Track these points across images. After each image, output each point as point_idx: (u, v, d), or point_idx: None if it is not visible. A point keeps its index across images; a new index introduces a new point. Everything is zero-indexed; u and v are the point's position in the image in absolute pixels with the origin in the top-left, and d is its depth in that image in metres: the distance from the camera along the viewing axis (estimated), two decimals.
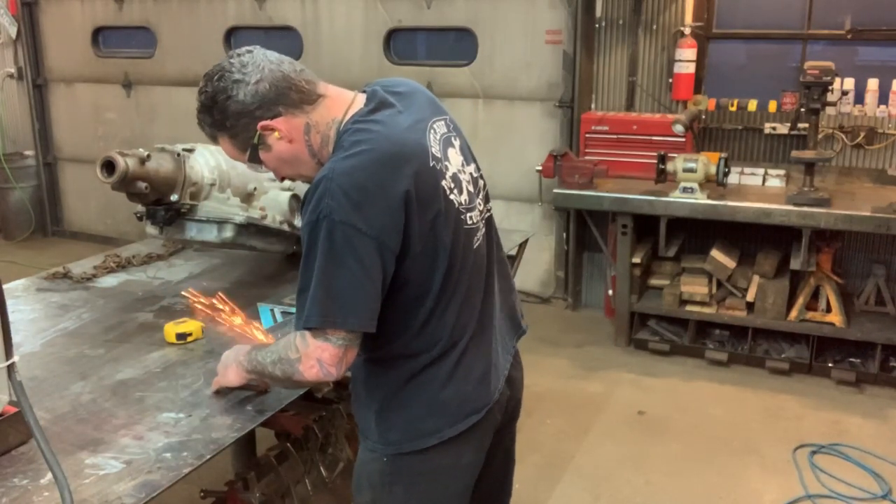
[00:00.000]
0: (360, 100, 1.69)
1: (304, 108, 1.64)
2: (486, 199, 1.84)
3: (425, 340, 1.68)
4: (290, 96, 1.62)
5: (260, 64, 1.61)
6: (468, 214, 1.71)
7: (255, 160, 1.69)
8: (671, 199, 4.44)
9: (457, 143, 1.76)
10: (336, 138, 1.63)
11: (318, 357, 1.57)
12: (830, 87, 4.17)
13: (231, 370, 1.89)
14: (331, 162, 1.57)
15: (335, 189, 1.50)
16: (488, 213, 1.83)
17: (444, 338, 1.68)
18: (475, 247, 1.73)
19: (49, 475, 1.58)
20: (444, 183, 1.64)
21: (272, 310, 2.56)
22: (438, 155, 1.66)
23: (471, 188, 1.75)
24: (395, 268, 1.57)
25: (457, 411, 1.71)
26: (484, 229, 1.78)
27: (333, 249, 1.51)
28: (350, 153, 1.55)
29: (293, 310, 2.43)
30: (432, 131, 1.68)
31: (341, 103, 1.67)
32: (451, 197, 1.66)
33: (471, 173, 1.77)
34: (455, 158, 1.73)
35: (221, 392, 1.98)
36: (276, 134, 1.63)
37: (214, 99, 1.62)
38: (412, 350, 1.68)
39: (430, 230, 1.60)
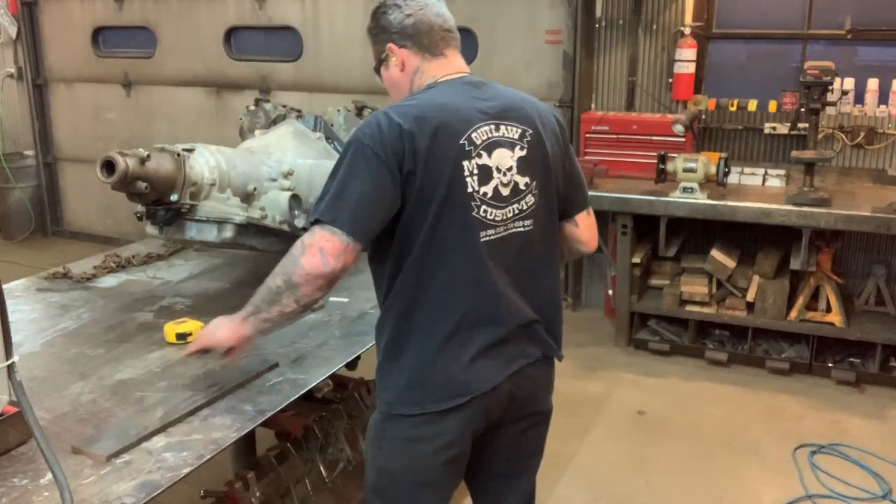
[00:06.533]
0: (456, 73, 1.93)
1: (425, 55, 1.92)
2: (526, 217, 1.87)
3: (407, 298, 1.80)
4: (422, 41, 1.91)
5: (421, 4, 1.91)
6: (483, 207, 1.79)
7: (377, 71, 2.00)
8: (671, 199, 4.44)
9: (521, 152, 1.85)
10: None
11: (321, 246, 1.69)
12: (830, 87, 4.17)
13: (224, 328, 1.90)
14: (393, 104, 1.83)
15: (373, 121, 1.76)
16: (520, 228, 1.86)
17: (426, 306, 1.79)
18: (482, 240, 1.79)
19: (49, 475, 1.58)
20: (465, 163, 1.77)
21: None
22: (477, 142, 1.79)
23: (505, 191, 1.82)
24: (402, 199, 1.73)
25: (441, 390, 1.81)
26: (504, 233, 1.83)
27: (354, 164, 1.72)
28: (403, 104, 1.81)
29: None
30: (492, 126, 1.83)
31: (449, 69, 1.93)
32: (468, 179, 1.77)
33: (516, 181, 1.84)
34: (501, 158, 1.82)
35: (193, 356, 1.98)
36: (395, 59, 1.92)
37: (378, 9, 1.95)
38: (398, 304, 1.81)
39: (428, 193, 1.73)
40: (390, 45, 1.92)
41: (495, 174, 1.81)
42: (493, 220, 1.81)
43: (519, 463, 2.10)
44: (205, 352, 1.96)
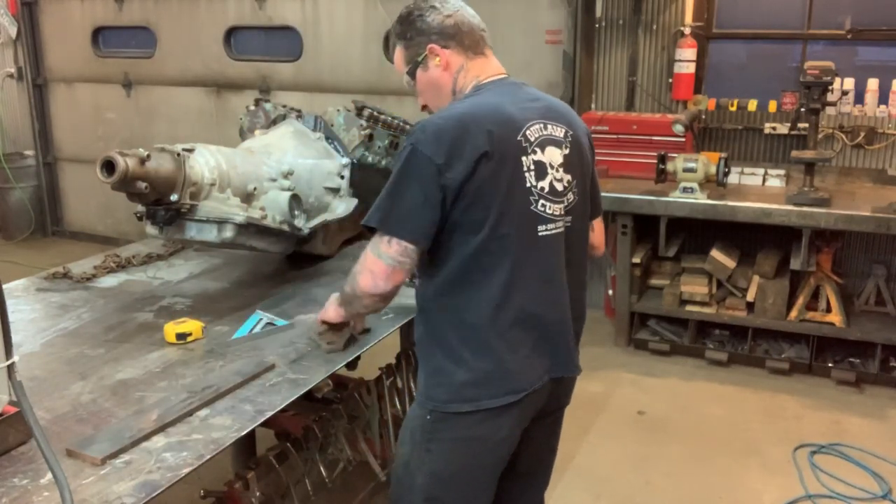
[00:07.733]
0: (499, 74, 2.00)
1: (468, 54, 1.97)
2: (568, 213, 1.93)
3: (465, 294, 1.82)
4: (464, 40, 1.95)
5: (457, 5, 1.97)
6: (541, 201, 1.86)
7: (412, 75, 2.01)
8: (671, 199, 4.45)
9: (566, 150, 1.93)
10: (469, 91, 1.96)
11: (371, 269, 1.83)
12: (830, 87, 4.17)
13: (331, 307, 2.17)
14: (443, 108, 1.90)
15: (428, 125, 1.80)
16: (567, 224, 1.93)
17: (485, 303, 1.81)
18: (540, 234, 1.86)
19: (49, 475, 1.58)
20: (523, 158, 1.83)
21: (260, 319, 2.52)
22: (531, 139, 1.86)
23: (559, 186, 1.90)
24: (451, 206, 1.77)
25: (498, 386, 1.83)
26: (558, 229, 1.91)
27: (409, 170, 1.77)
28: (453, 107, 1.87)
29: (279, 322, 2.47)
30: (542, 125, 1.89)
31: (490, 70, 1.99)
32: (526, 175, 1.84)
33: (565, 177, 1.91)
34: (552, 155, 1.89)
35: (326, 329, 2.22)
36: (438, 60, 1.95)
37: (410, 13, 1.97)
38: (455, 301, 1.83)
39: (489, 190, 1.77)
40: (432, 45, 1.94)
41: (549, 170, 1.88)
42: (551, 214, 1.88)
43: (542, 456, 2.16)
44: (329, 325, 2.21)
